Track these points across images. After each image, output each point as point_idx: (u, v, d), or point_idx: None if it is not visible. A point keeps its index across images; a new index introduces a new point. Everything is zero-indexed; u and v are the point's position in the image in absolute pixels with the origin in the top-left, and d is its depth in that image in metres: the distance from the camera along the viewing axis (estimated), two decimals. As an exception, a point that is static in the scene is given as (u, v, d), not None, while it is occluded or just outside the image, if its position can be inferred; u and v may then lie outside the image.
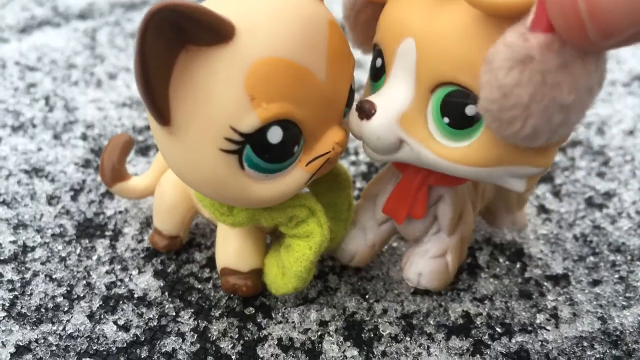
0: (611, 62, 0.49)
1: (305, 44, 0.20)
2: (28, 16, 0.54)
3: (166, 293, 0.27)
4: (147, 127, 0.39)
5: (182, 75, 0.19)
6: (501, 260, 0.30)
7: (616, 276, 0.29)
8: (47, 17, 0.54)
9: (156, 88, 0.19)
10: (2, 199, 0.32)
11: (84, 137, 0.38)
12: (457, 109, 0.20)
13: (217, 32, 0.19)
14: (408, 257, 0.27)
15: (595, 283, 0.29)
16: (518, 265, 0.30)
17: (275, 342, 0.25)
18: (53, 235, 0.30)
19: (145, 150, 0.37)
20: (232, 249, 0.26)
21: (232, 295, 0.27)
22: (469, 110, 0.20)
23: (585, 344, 0.26)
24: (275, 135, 0.20)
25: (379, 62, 0.22)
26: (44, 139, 0.38)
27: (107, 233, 0.31)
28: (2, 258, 0.29)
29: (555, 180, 0.36)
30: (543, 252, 0.31)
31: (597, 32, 0.15)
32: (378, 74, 0.22)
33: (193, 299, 0.27)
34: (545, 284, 0.29)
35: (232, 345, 0.25)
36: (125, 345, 0.25)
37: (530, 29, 0.16)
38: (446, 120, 0.20)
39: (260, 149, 0.20)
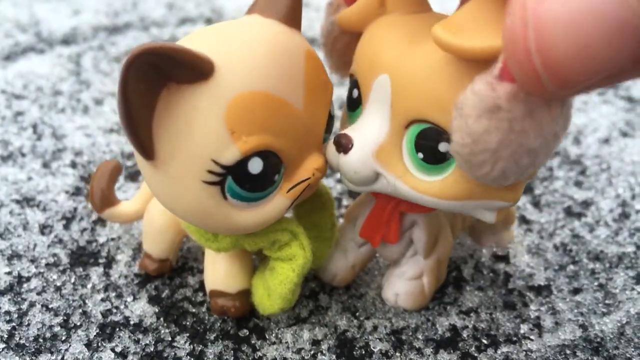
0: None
1: (282, 75, 0.21)
2: (12, 43, 0.55)
3: (161, 318, 0.28)
4: (136, 153, 0.40)
5: (165, 113, 0.20)
6: (485, 272, 0.31)
7: (595, 284, 0.31)
8: (30, 43, 0.55)
9: (140, 126, 0.20)
10: (-5, 231, 0.33)
11: (73, 164, 0.39)
12: (430, 146, 0.21)
13: (197, 70, 0.20)
14: (386, 278, 0.28)
15: (576, 291, 0.30)
16: (502, 277, 0.31)
17: (270, 363, 0.26)
18: (47, 264, 0.31)
19: (134, 176, 0.38)
20: (219, 271, 0.27)
21: (224, 317, 0.28)
22: (442, 147, 0.21)
23: (567, 351, 0.27)
24: (255, 166, 0.21)
25: (355, 92, 0.23)
26: (33, 167, 0.38)
27: (100, 261, 0.31)
28: (-3, 290, 0.29)
29: (534, 191, 0.38)
30: (525, 263, 0.32)
31: (554, 84, 0.15)
32: (354, 104, 0.23)
33: (188, 323, 0.28)
34: (528, 294, 0.30)
35: (228, 367, 0.26)
36: (123, 372, 0.26)
37: (498, 77, 0.17)
38: (420, 155, 0.21)
39: (242, 180, 0.21)
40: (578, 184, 0.38)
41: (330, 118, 0.24)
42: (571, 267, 0.32)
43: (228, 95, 0.20)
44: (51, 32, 0.57)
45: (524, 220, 0.35)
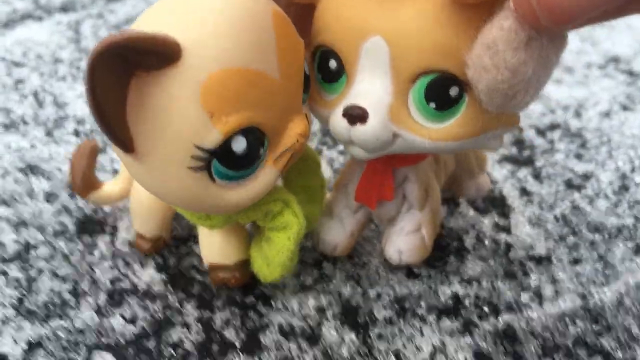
0: (586, 44, 0.51)
1: (252, 46, 0.20)
2: (9, 10, 0.54)
3: (169, 285, 0.28)
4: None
5: (138, 103, 0.19)
6: (486, 242, 0.32)
7: (595, 255, 0.31)
8: (28, 10, 0.54)
9: (114, 120, 0.19)
10: (1, 198, 0.33)
11: (76, 133, 0.38)
12: (442, 93, 0.21)
13: (164, 54, 0.19)
14: (386, 237, 0.29)
15: (576, 262, 0.31)
16: (503, 247, 0.32)
17: (277, 329, 0.27)
18: (54, 232, 0.31)
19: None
20: (216, 245, 0.27)
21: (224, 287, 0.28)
22: (452, 91, 0.21)
23: (567, 320, 0.27)
24: (239, 144, 0.20)
25: (333, 63, 0.23)
26: (36, 135, 0.38)
27: (106, 229, 0.31)
28: (6, 257, 0.30)
29: (535, 163, 0.38)
30: (526, 234, 0.32)
31: (550, 23, 0.18)
32: (334, 75, 0.23)
33: (195, 290, 0.28)
34: (529, 264, 0.31)
35: (235, 333, 0.26)
36: (133, 337, 0.26)
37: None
38: (432, 105, 0.21)
39: (228, 160, 0.21)
40: (578, 157, 0.39)
41: (306, 78, 0.23)
42: (571, 238, 0.32)
43: (200, 77, 0.19)
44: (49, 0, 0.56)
45: (524, 192, 0.35)
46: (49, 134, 0.38)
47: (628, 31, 0.53)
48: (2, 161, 0.36)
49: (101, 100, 0.18)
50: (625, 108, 0.43)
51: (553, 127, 0.41)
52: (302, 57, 0.23)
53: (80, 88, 0.43)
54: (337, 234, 0.29)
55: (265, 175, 0.22)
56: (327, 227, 0.29)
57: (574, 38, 0.44)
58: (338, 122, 0.23)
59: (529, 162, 0.38)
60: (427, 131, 0.22)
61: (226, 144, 0.20)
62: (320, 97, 0.24)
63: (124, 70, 0.19)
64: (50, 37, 0.50)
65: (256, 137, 0.21)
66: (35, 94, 0.42)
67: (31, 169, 0.35)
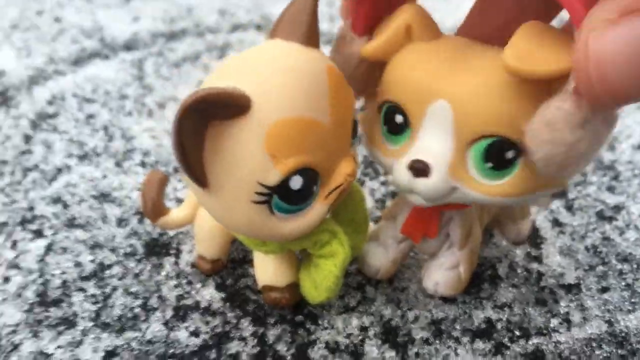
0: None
1: (309, 97, 0.23)
2: (79, 48, 0.59)
3: (227, 303, 0.32)
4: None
5: (213, 147, 0.23)
6: (519, 271, 0.34)
7: (623, 283, 0.33)
8: (95, 49, 0.59)
9: (193, 162, 0.23)
10: (79, 223, 0.37)
11: (143, 164, 0.43)
12: (499, 155, 0.24)
13: (236, 107, 0.22)
14: (426, 269, 0.31)
15: (604, 290, 0.33)
16: (534, 275, 0.34)
17: (324, 345, 0.30)
18: (125, 254, 0.35)
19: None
20: (269, 268, 0.30)
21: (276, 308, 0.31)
22: (509, 154, 0.24)
23: (594, 344, 0.29)
24: (296, 182, 0.24)
25: (399, 118, 0.26)
26: (107, 167, 0.42)
27: (171, 251, 0.35)
28: (84, 275, 0.34)
29: (568, 195, 0.40)
30: (557, 263, 0.35)
31: (608, 100, 0.20)
32: (399, 129, 0.26)
33: (250, 308, 0.32)
34: (559, 291, 0.33)
35: (286, 348, 0.29)
36: (196, 348, 0.29)
37: (573, 95, 0.21)
38: (489, 165, 0.24)
39: (286, 196, 0.24)
40: (610, 189, 0.40)
41: (355, 124, 0.26)
42: (600, 267, 0.34)
43: (265, 125, 0.22)
44: (114, 38, 0.61)
45: (557, 223, 0.37)
46: (118, 164, 0.43)
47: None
48: (79, 189, 0.40)
49: (184, 145, 0.22)
50: (658, 142, 0.45)
51: (586, 160, 0.43)
52: (351, 106, 0.26)
53: (146, 123, 0.47)
54: (381, 259, 0.32)
55: (317, 209, 0.25)
56: (372, 252, 0.32)
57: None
58: (402, 172, 0.25)
59: (562, 194, 0.40)
60: (482, 187, 0.24)
61: (285, 182, 0.23)
62: (384, 146, 0.27)
63: (203, 121, 0.22)
64: (116, 75, 0.55)
65: (310, 176, 0.24)
66: (105, 128, 0.47)
67: (104, 197, 0.39)
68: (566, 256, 0.35)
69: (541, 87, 0.22)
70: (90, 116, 0.48)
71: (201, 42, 0.62)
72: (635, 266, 0.34)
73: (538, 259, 0.35)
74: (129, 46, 0.60)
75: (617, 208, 0.39)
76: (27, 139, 0.45)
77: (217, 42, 0.62)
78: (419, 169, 0.25)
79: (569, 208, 0.39)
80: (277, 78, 0.23)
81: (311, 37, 0.26)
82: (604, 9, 0.19)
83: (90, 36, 0.62)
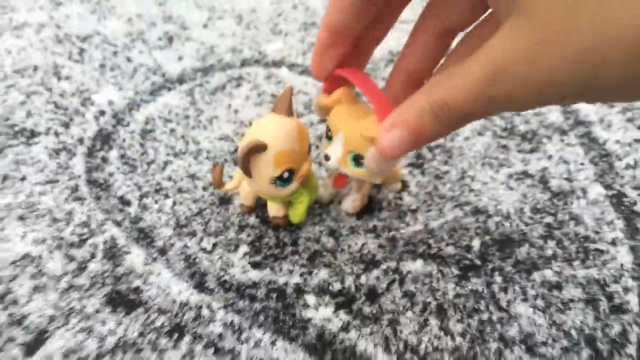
0: None
1: (290, 139, 0.59)
2: (150, 82, 0.97)
3: (258, 221, 0.72)
4: (232, 151, 0.83)
5: (254, 163, 0.60)
6: (392, 204, 0.75)
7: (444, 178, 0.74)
8: (160, 82, 0.98)
9: (245, 169, 0.60)
10: (184, 190, 0.77)
11: (207, 158, 0.82)
12: (357, 160, 0.62)
13: (262, 147, 0.59)
14: (343, 201, 0.72)
15: (436, 188, 0.74)
16: (397, 204, 0.75)
17: (303, 238, 0.70)
18: (210, 203, 0.75)
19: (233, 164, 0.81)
20: (274, 208, 0.66)
21: (278, 226, 0.72)
22: (361, 160, 0.62)
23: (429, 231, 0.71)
24: (286, 174, 0.61)
25: (329, 133, 0.64)
26: (190, 160, 0.82)
27: (231, 201, 0.75)
28: (196, 212, 0.74)
29: (416, 173, 0.80)
30: (411, 200, 0.75)
31: (383, 156, 0.60)
32: (329, 138, 0.64)
33: (270, 225, 0.72)
34: (410, 210, 0.74)
35: (288, 238, 0.70)
36: (252, 238, 0.70)
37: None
38: (354, 163, 0.63)
39: (282, 179, 0.62)
40: (446, 163, 0.81)
41: (309, 147, 0.66)
42: (436, 198, 0.75)
43: (273, 154, 0.59)
44: (170, 74, 0.99)
45: (407, 185, 0.78)
46: (195, 158, 0.82)
47: None
48: (179, 173, 0.79)
49: (244, 162, 0.61)
50: None
51: None
52: (307, 140, 0.66)
53: (204, 133, 0.86)
54: (325, 194, 0.73)
55: (294, 184, 0.64)
56: (322, 192, 0.73)
57: None
58: (323, 158, 0.65)
59: (404, 183, 0.80)
60: (352, 170, 0.63)
61: (281, 175, 0.62)
62: (325, 146, 0.66)
63: (250, 153, 0.61)
64: (178, 102, 0.93)
65: (291, 172, 0.63)
66: (183, 137, 0.86)
67: (192, 176, 0.79)
68: (416, 195, 0.76)
69: (372, 138, 0.61)
70: (172, 130, 0.87)
71: (224, 75, 1.00)
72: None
73: (401, 198, 0.75)
74: (180, 80, 0.98)
75: (447, 172, 0.79)
76: (142, 145, 0.84)
77: (234, 75, 1.00)
78: (326, 156, 0.63)
79: (417, 176, 0.79)
80: (276, 133, 0.62)
81: (289, 111, 0.64)
82: (388, 118, 0.58)
83: (155, 73, 1.00)
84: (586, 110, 0.89)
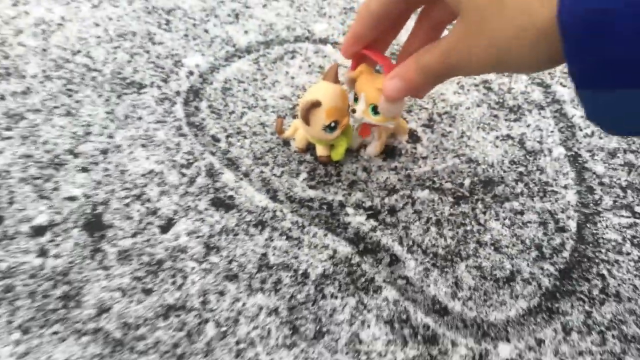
0: None
1: (336, 99, 0.89)
2: (225, 51, 1.25)
3: (312, 158, 1.01)
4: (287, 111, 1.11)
5: (312, 115, 0.89)
6: (403, 152, 1.03)
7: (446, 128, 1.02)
8: (232, 51, 1.25)
9: (305, 119, 0.89)
10: (255, 133, 1.05)
11: (273, 112, 1.10)
12: (376, 109, 0.90)
13: (317, 104, 0.88)
14: (367, 147, 1.01)
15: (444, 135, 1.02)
16: (410, 151, 1.03)
17: (344, 172, 0.99)
18: (277, 143, 1.03)
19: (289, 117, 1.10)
20: (321, 149, 0.99)
21: (324, 164, 1.00)
22: (378, 109, 0.90)
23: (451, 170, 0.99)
24: (333, 124, 0.90)
25: (356, 96, 0.92)
26: (261, 112, 1.10)
27: (288, 142, 1.04)
28: (259, 154, 1.02)
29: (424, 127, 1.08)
30: (421, 147, 1.04)
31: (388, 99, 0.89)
32: (355, 99, 0.92)
33: (318, 162, 1.01)
34: (416, 156, 1.02)
35: (333, 169, 0.99)
36: (307, 169, 0.99)
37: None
38: (373, 112, 0.91)
39: (330, 128, 0.90)
40: (453, 124, 1.09)
41: (348, 106, 0.94)
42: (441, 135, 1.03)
43: (325, 109, 0.88)
44: (240, 45, 1.27)
45: (418, 135, 1.06)
46: (264, 111, 1.10)
47: None
48: (252, 122, 1.08)
49: (305, 115, 0.89)
50: None
51: None
52: (347, 101, 0.93)
53: (269, 93, 1.14)
54: (355, 143, 1.01)
55: (338, 131, 0.92)
56: (353, 140, 1.01)
57: None
58: (352, 111, 0.93)
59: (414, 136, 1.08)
60: (372, 118, 0.91)
61: (330, 124, 0.91)
62: (353, 105, 0.95)
63: (309, 108, 0.89)
64: (248, 67, 1.21)
65: (336, 122, 0.91)
66: (253, 95, 1.14)
67: (262, 124, 1.07)
68: (427, 147, 1.04)
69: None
70: (245, 89, 1.15)
71: (281, 48, 1.27)
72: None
73: (415, 148, 1.03)
74: (248, 50, 1.26)
75: (450, 132, 1.07)
76: (224, 99, 1.12)
77: (289, 48, 1.27)
78: (354, 110, 0.91)
79: (428, 133, 1.07)
80: (327, 95, 0.90)
81: (335, 79, 0.92)
82: (391, 73, 0.85)
83: (227, 43, 1.27)
84: (562, 92, 1.16)
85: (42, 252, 0.82)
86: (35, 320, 0.74)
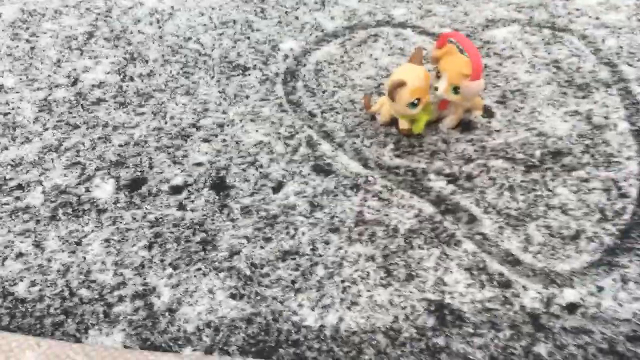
0: None
1: (420, 80, 1.05)
2: (321, 35, 1.40)
3: (395, 132, 1.15)
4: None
5: (398, 93, 1.04)
6: (478, 126, 1.16)
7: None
8: (321, 36, 1.40)
9: (392, 94, 1.05)
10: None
11: (359, 92, 1.25)
12: (456, 90, 1.05)
13: (403, 84, 1.03)
14: (443, 119, 1.15)
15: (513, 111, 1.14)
16: (485, 125, 1.15)
17: (426, 142, 1.13)
18: (347, 116, 1.18)
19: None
20: (404, 122, 1.13)
21: (406, 136, 1.14)
22: (458, 90, 1.05)
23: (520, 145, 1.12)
24: (416, 101, 1.05)
25: (438, 74, 1.07)
26: (345, 92, 1.25)
27: (373, 118, 1.18)
28: (322, 133, 1.17)
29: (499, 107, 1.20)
30: (494, 120, 1.16)
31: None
32: (437, 77, 1.07)
33: (401, 135, 1.15)
34: (489, 129, 1.14)
35: (413, 141, 1.13)
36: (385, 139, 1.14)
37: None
38: (454, 91, 1.05)
39: (413, 104, 1.06)
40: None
41: (430, 86, 1.08)
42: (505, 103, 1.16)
43: (410, 89, 1.04)
44: (327, 30, 1.41)
45: (491, 111, 1.18)
46: (353, 89, 1.24)
47: None
48: (341, 100, 1.22)
49: (392, 93, 1.04)
50: None
51: None
52: (429, 80, 1.07)
53: (356, 73, 1.28)
54: (434, 114, 1.15)
55: (419, 107, 1.07)
56: (433, 113, 1.15)
57: None
58: (434, 88, 1.07)
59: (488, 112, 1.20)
60: (452, 96, 1.06)
61: (413, 101, 1.05)
62: (435, 81, 1.09)
63: (397, 86, 1.04)
64: (336, 50, 1.35)
65: (419, 99, 1.06)
66: (342, 75, 1.28)
67: (352, 102, 1.22)
68: (500, 121, 1.16)
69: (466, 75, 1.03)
70: (334, 70, 1.30)
71: (365, 32, 1.41)
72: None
73: (490, 122, 1.16)
74: (335, 35, 1.40)
75: (523, 107, 1.18)
76: (316, 80, 1.28)
77: (371, 32, 1.41)
78: (436, 88, 1.07)
79: (501, 109, 1.19)
80: (412, 75, 1.05)
81: (420, 62, 1.07)
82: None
83: (316, 29, 1.42)
84: (628, 71, 1.25)
85: (181, 207, 1.01)
86: (182, 260, 0.93)
